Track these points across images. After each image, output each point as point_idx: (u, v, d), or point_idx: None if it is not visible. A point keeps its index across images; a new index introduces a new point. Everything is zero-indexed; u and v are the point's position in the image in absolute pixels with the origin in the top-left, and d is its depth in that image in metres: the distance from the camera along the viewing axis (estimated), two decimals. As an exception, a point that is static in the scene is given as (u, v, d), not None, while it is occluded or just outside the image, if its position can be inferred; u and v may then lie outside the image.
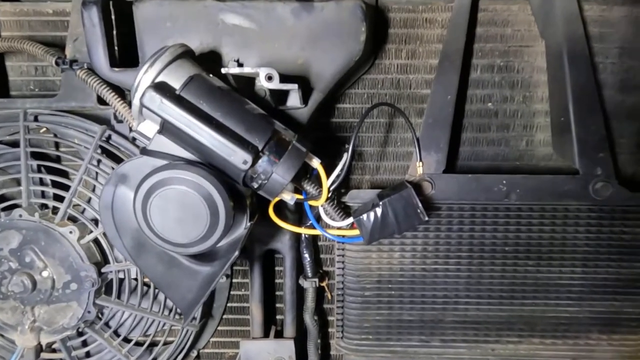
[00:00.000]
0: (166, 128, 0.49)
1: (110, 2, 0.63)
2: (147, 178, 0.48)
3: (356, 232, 0.60)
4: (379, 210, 0.58)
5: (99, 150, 0.68)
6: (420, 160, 0.65)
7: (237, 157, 0.47)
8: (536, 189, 0.65)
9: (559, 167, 0.72)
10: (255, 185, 0.52)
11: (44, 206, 0.70)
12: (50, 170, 0.71)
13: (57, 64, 0.65)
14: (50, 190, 0.70)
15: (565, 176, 0.65)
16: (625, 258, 0.67)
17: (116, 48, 0.65)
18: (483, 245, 0.68)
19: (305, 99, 0.61)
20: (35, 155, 0.70)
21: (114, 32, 0.64)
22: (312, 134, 0.72)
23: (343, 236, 0.61)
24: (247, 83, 0.56)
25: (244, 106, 0.51)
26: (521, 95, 0.74)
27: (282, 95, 0.58)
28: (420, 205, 0.58)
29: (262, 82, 0.51)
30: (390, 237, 0.64)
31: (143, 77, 0.47)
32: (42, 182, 0.71)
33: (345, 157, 0.59)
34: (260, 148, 0.49)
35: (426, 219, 0.59)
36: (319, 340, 0.78)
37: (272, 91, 0.54)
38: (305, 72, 0.61)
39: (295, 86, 0.52)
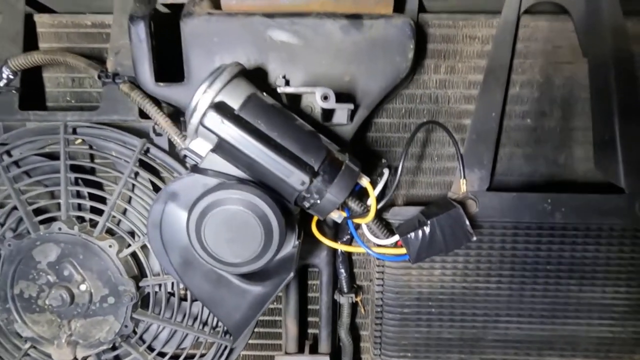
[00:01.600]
0: (221, 147, 0.48)
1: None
2: (202, 197, 0.48)
3: (402, 250, 0.59)
4: (427, 229, 0.58)
5: (137, 163, 0.67)
6: (464, 177, 0.64)
7: (294, 177, 0.47)
8: (581, 208, 0.64)
9: (597, 182, 0.71)
10: (307, 205, 0.51)
11: (80, 219, 0.70)
12: (88, 183, 0.70)
13: (99, 77, 0.65)
14: (88, 203, 0.69)
15: (611, 195, 0.64)
16: (670, 278, 0.66)
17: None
18: (525, 263, 0.67)
19: (350, 116, 0.60)
20: (73, 168, 0.70)
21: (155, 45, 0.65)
22: (353, 148, 0.72)
23: (389, 255, 0.61)
24: (294, 99, 0.56)
25: (296, 124, 0.50)
26: (560, 111, 0.73)
27: (330, 113, 0.58)
28: (469, 225, 0.58)
29: (318, 102, 0.51)
30: (438, 256, 0.64)
31: (202, 97, 0.46)
32: (79, 195, 0.71)
33: (395, 174, 0.58)
34: (316, 169, 0.48)
35: (474, 239, 0.58)
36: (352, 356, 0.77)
37: (324, 110, 0.54)
38: (352, 89, 0.60)
39: (351, 106, 0.52)
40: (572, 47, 0.71)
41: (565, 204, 0.64)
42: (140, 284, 0.68)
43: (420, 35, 0.70)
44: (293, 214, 0.52)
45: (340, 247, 0.61)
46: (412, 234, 0.58)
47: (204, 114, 0.45)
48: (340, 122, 0.60)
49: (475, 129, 0.65)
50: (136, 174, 0.68)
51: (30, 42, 0.72)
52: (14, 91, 0.68)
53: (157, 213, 0.53)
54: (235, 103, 0.47)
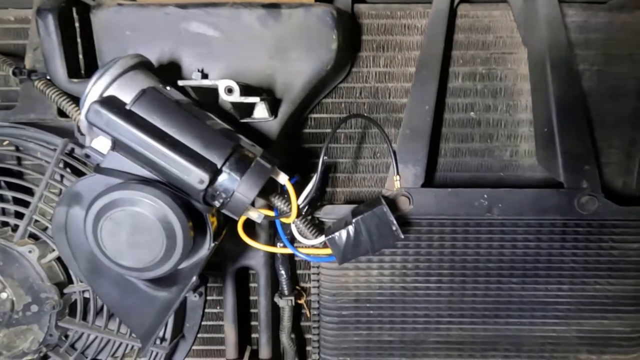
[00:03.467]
0: (119, 145, 0.45)
1: (75, 10, 0.60)
2: (97, 199, 0.45)
3: (329, 251, 0.57)
4: (351, 229, 0.55)
5: (61, 165, 0.64)
6: (398, 173, 0.62)
7: (193, 176, 0.44)
8: (519, 204, 0.62)
9: (545, 178, 0.69)
10: (218, 204, 0.49)
11: (5, 224, 0.67)
12: (12, 186, 0.67)
13: (14, 74, 0.62)
14: (11, 207, 0.66)
15: (549, 190, 0.62)
16: (614, 275, 0.64)
17: (81, 57, 0.62)
18: (465, 262, 0.65)
19: (274, 111, 0.57)
20: (-1, 171, 0.67)
21: (78, 40, 0.62)
22: (286, 146, 0.69)
23: (315, 255, 0.58)
24: (210, 95, 0.53)
25: (203, 121, 0.48)
26: (504, 104, 0.71)
27: (248, 108, 0.55)
28: (395, 223, 0.55)
29: (222, 95, 0.48)
30: (364, 256, 0.61)
31: (90, 91, 0.43)
32: (3, 199, 0.68)
33: (316, 172, 0.56)
34: (219, 166, 0.46)
35: (402, 237, 0.56)
36: (296, 361, 0.74)
37: (234, 104, 0.51)
38: (274, 82, 0.58)
39: (257, 99, 0.49)
40: (513, 36, 0.69)
41: (503, 199, 0.62)
42: (65, 291, 0.65)
43: (357, 27, 0.68)
44: (204, 215, 0.50)
45: (266, 248, 0.58)
46: (337, 234, 0.56)
47: (89, 109, 0.42)
48: (262, 117, 0.57)
49: (409, 124, 0.63)
50: (62, 176, 0.65)
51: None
52: None
53: (61, 216, 0.50)
54: (128, 97, 0.44)
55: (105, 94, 0.44)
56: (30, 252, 0.63)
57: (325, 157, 0.71)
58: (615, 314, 0.65)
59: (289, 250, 0.58)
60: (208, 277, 0.74)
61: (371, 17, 0.68)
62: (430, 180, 0.70)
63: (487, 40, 0.70)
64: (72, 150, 0.65)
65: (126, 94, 0.44)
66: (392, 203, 0.60)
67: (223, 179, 0.46)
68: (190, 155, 0.44)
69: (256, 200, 0.60)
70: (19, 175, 0.69)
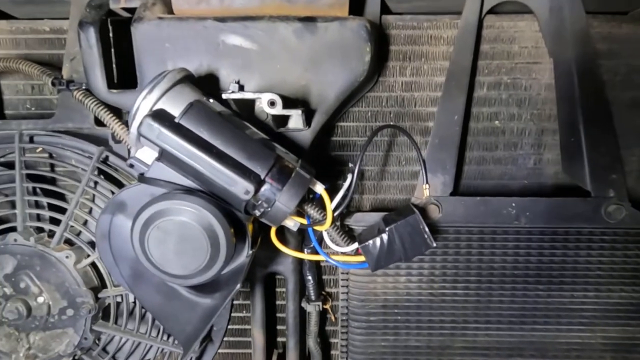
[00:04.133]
0: (165, 156, 0.47)
1: (108, 21, 0.62)
2: (144, 208, 0.46)
3: (362, 258, 0.58)
4: (385, 237, 0.56)
5: (96, 172, 0.66)
6: (427, 182, 0.63)
7: (238, 187, 0.45)
8: (546, 212, 0.63)
9: (568, 185, 0.70)
10: (258, 213, 0.50)
11: (40, 230, 0.68)
12: (47, 193, 0.69)
13: (53, 84, 0.64)
14: (47, 214, 0.68)
15: (576, 199, 0.63)
16: (639, 282, 0.65)
17: (114, 67, 0.64)
18: (492, 269, 0.66)
19: (308, 121, 0.59)
20: (31, 177, 0.68)
21: (112, 51, 0.63)
22: (314, 153, 0.70)
23: (348, 262, 0.59)
24: (247, 105, 0.54)
25: (245, 132, 0.49)
26: (529, 113, 0.72)
27: (284, 118, 0.57)
28: (427, 231, 0.56)
29: (265, 108, 0.49)
30: (397, 264, 0.62)
31: (141, 105, 0.45)
32: (38, 205, 0.69)
33: (350, 180, 0.57)
34: (262, 177, 0.47)
35: (434, 245, 0.57)
36: (322, 365, 0.75)
37: (274, 116, 0.53)
38: (308, 94, 0.59)
39: (299, 112, 0.50)
40: (538, 47, 0.70)
41: (530, 208, 0.63)
42: (100, 295, 0.67)
43: (384, 37, 0.69)
44: (244, 223, 0.51)
45: (299, 255, 0.60)
46: (371, 242, 0.57)
47: (141, 123, 0.44)
48: (297, 127, 0.58)
49: (438, 133, 0.64)
50: (96, 183, 0.66)
51: (-13, 49, 0.71)
52: (-32, 99, 0.66)
53: (105, 224, 0.52)
54: (176, 110, 0.46)
55: (155, 108, 0.45)
56: (67, 257, 0.65)
57: (351, 165, 0.73)
58: (639, 320, 0.66)
59: (321, 258, 0.59)
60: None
61: (398, 27, 0.69)
62: (456, 188, 0.71)
63: (512, 51, 0.71)
64: (107, 157, 0.67)
65: (174, 107, 0.46)
66: (422, 211, 0.61)
67: (265, 189, 0.48)
68: (236, 166, 0.46)
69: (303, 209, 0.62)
70: (52, 181, 0.71)
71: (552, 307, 0.66)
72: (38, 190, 0.70)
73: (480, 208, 0.63)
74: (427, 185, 0.63)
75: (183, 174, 0.48)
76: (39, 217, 0.70)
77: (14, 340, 0.67)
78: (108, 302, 0.68)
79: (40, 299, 0.66)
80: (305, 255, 0.62)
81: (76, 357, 0.69)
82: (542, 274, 0.66)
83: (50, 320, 0.66)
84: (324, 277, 0.76)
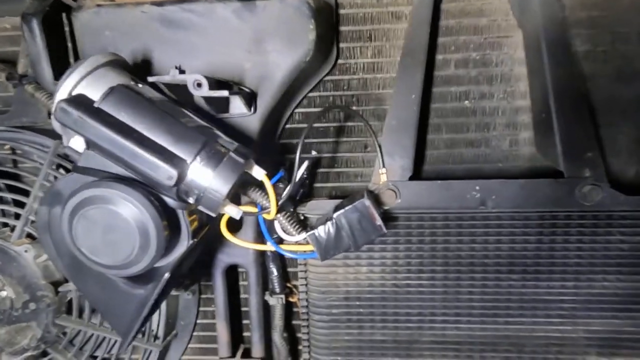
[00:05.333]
0: (91, 143, 0.46)
1: (65, 14, 0.62)
2: (70, 197, 0.45)
3: (310, 247, 0.55)
4: (332, 224, 0.53)
5: (54, 166, 0.66)
6: (383, 166, 0.59)
7: (160, 172, 0.43)
8: (515, 195, 0.58)
9: (548, 168, 0.65)
10: (192, 200, 0.48)
11: (5, 225, 0.69)
12: (11, 189, 0.69)
13: (7, 79, 0.64)
14: (11, 209, 0.69)
15: (547, 180, 0.58)
16: (625, 270, 0.59)
17: (71, 60, 0.64)
18: (460, 258, 0.61)
19: (253, 105, 0.57)
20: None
21: (69, 44, 0.63)
22: (273, 142, 0.68)
23: (298, 252, 0.57)
24: (187, 93, 0.52)
25: (177, 118, 0.47)
26: (501, 91, 0.67)
27: (223, 103, 0.55)
28: (377, 216, 0.53)
29: (191, 90, 0.47)
30: (348, 252, 0.59)
31: (59, 90, 0.44)
32: (3, 201, 0.70)
33: (296, 166, 0.54)
34: (189, 161, 0.45)
35: (385, 231, 0.53)
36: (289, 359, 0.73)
37: (207, 99, 0.51)
38: (253, 76, 0.57)
39: (226, 93, 0.48)
40: (509, 19, 0.65)
41: (496, 191, 0.58)
42: (60, 289, 0.67)
43: (342, 17, 0.66)
44: (178, 212, 0.49)
45: (249, 245, 0.57)
46: (318, 230, 0.54)
47: (56, 109, 0.43)
48: (240, 112, 0.56)
49: (395, 114, 0.60)
50: (55, 177, 0.66)
51: (-50, 48, 0.72)
52: None
53: (44, 216, 0.51)
54: (97, 95, 0.44)
55: (75, 93, 0.44)
56: (26, 251, 0.65)
57: (314, 152, 0.71)
58: (626, 312, 0.60)
59: (270, 247, 0.57)
60: (201, 275, 0.74)
61: (356, 6, 0.66)
62: (420, 173, 0.67)
63: (481, 25, 0.66)
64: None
65: (96, 92, 0.45)
66: (377, 197, 0.58)
67: (194, 174, 0.46)
68: (158, 151, 0.44)
69: (241, 196, 0.60)
70: (16, 177, 0.71)
71: (528, 298, 0.61)
72: (2, 186, 0.71)
73: (442, 192, 0.59)
74: (384, 170, 0.59)
75: (114, 161, 0.47)
76: (4, 213, 0.71)
77: (-20, 334, 0.68)
78: (70, 297, 0.68)
79: (3, 293, 0.66)
80: (256, 246, 0.60)
81: (41, 350, 0.70)
82: (515, 262, 0.61)
83: (14, 314, 0.66)
84: (290, 269, 0.73)
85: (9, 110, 0.72)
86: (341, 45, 0.67)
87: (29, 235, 0.67)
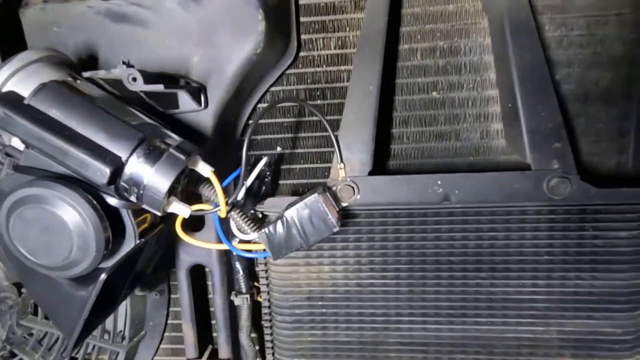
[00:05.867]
0: (26, 142, 0.44)
1: (20, 11, 0.61)
2: (6, 196, 0.44)
3: (262, 246, 0.53)
4: (282, 222, 0.51)
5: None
6: (341, 161, 0.57)
7: (91, 169, 0.42)
8: (479, 189, 0.55)
9: (521, 161, 0.61)
10: (134, 199, 0.47)
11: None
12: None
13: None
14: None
15: (513, 173, 0.55)
16: (600, 268, 0.56)
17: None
18: (425, 256, 0.59)
19: (201, 100, 0.55)
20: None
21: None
22: (231, 138, 0.66)
23: (251, 251, 0.55)
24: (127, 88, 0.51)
25: (115, 114, 0.46)
26: (471, 81, 0.64)
27: (170, 99, 0.53)
28: (329, 213, 0.51)
29: (127, 85, 0.46)
30: (305, 250, 0.57)
31: (-12, 87, 0.43)
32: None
33: (244, 162, 0.53)
34: (124, 158, 0.44)
35: (337, 229, 0.51)
36: (258, 361, 0.71)
37: (149, 95, 0.49)
38: (202, 70, 0.55)
39: (161, 87, 0.46)
40: (477, 5, 0.62)
41: (459, 185, 0.55)
42: (23, 290, 0.66)
43: (302, 8, 0.64)
44: (120, 211, 0.48)
45: (200, 244, 0.56)
46: (269, 228, 0.52)
47: (-18, 106, 0.42)
48: (189, 108, 0.54)
49: (352, 107, 0.58)
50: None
51: None
52: None
53: (-11, 216, 0.50)
54: (28, 92, 0.43)
55: (4, 89, 0.43)
56: (-13, 252, 0.65)
57: (279, 148, 0.69)
58: (602, 312, 0.57)
59: (225, 247, 0.55)
60: (168, 275, 0.73)
61: (317, -5, 0.64)
62: (386, 169, 0.65)
63: (447, 11, 0.63)
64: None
65: (28, 89, 0.43)
66: (335, 194, 0.56)
67: (132, 171, 0.44)
68: (90, 148, 0.43)
69: (200, 194, 0.58)
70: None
71: (497, 297, 0.58)
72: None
73: (403, 187, 0.56)
74: (342, 165, 0.57)
75: (52, 159, 0.46)
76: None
77: (-53, 336, 0.68)
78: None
79: (-33, 294, 0.66)
80: (209, 245, 0.58)
81: (8, 351, 0.70)
82: (482, 260, 0.58)
83: (-21, 315, 0.66)
84: (258, 269, 0.71)
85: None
86: (303, 36, 0.65)
87: (-6, 236, 0.67)
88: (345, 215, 0.58)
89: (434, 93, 0.65)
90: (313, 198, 0.50)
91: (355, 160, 0.58)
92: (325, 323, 0.62)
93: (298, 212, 0.51)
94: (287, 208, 0.52)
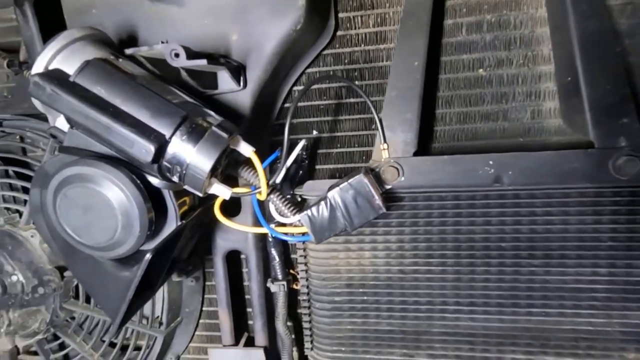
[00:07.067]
0: (71, 121, 0.44)
1: None
2: (53, 176, 0.44)
3: (304, 229, 0.51)
4: (325, 204, 0.49)
5: (55, 152, 0.66)
6: (385, 142, 0.55)
7: (137, 147, 0.41)
8: (535, 170, 0.51)
9: (578, 141, 0.57)
10: (176, 179, 0.46)
11: (17, 211, 0.71)
12: (21, 176, 0.71)
13: (8, 66, 0.65)
14: (21, 196, 0.70)
15: (574, 151, 0.51)
16: (670, 255, 0.51)
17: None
18: (473, 241, 0.56)
19: (241, 79, 0.53)
20: (8, 161, 0.71)
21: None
22: (268, 121, 0.65)
23: (293, 234, 0.53)
24: (174, 70, 0.50)
25: (157, 92, 0.45)
26: (521, 56, 0.60)
27: (210, 78, 0.52)
28: (375, 194, 0.48)
29: (169, 61, 0.45)
30: (351, 234, 0.55)
31: (35, 66, 0.43)
32: (13, 188, 0.72)
33: (283, 145, 0.51)
34: (167, 136, 0.43)
35: (384, 210, 0.49)
36: (294, 349, 0.70)
37: (191, 73, 0.48)
38: (241, 49, 0.53)
39: (204, 61, 0.45)
40: (528, -27, 0.58)
41: (512, 165, 0.52)
42: (66, 274, 0.67)
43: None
44: (163, 191, 0.47)
45: (240, 227, 0.54)
46: (312, 210, 0.50)
47: (30, 83, 0.41)
48: (229, 88, 0.53)
49: (395, 84, 0.55)
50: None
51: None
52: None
53: (35, 198, 0.51)
54: (73, 69, 0.43)
55: (50, 67, 0.43)
56: (32, 236, 0.66)
57: (315, 132, 0.67)
58: (673, 304, 0.52)
59: (264, 230, 0.54)
60: (202, 261, 0.73)
61: (356, -29, 0.61)
62: (427, 149, 0.62)
63: (495, -18, 0.59)
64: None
65: (73, 67, 0.43)
66: (378, 175, 0.53)
67: (175, 150, 0.43)
68: (135, 125, 0.42)
69: (238, 176, 0.57)
70: (27, 165, 0.73)
71: (552, 286, 0.55)
72: (12, 173, 0.72)
73: (451, 168, 0.53)
74: (385, 146, 0.54)
75: (95, 139, 0.46)
76: (15, 200, 0.72)
77: (-3, 317, 0.70)
78: (75, 281, 0.69)
79: (14, 277, 0.68)
80: (248, 228, 0.57)
81: (52, 333, 0.71)
82: (536, 246, 0.54)
83: (25, 298, 0.68)
84: (293, 256, 0.70)
85: (13, 97, 0.74)
86: (340, 15, 0.63)
87: (37, 221, 0.69)
88: (388, 199, 0.55)
89: (480, 70, 0.61)
90: (358, 178, 0.48)
91: (399, 141, 0.55)
92: (366, 311, 0.60)
93: (342, 193, 0.49)
94: (329, 189, 0.50)
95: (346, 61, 0.64)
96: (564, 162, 0.50)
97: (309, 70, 0.64)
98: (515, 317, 0.56)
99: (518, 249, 0.55)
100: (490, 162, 0.52)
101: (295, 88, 0.65)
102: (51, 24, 0.60)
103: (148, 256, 0.44)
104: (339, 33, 0.63)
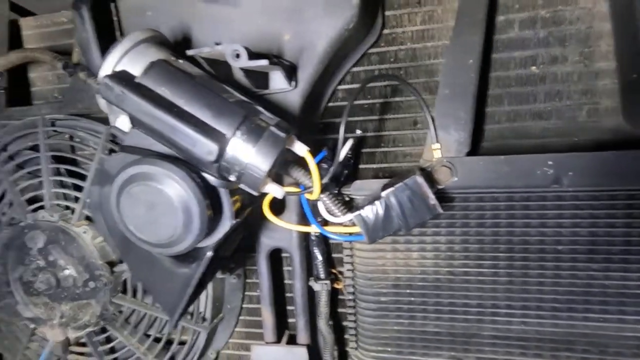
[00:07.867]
0: (134, 120, 0.45)
1: (112, 2, 0.63)
2: (117, 174, 0.46)
3: (356, 229, 0.51)
4: (380, 204, 0.49)
5: (107, 151, 0.68)
6: (437, 141, 0.54)
7: (200, 146, 0.42)
8: (597, 171, 0.50)
9: (637, 141, 0.55)
10: (234, 178, 0.46)
11: (67, 208, 0.74)
12: (72, 174, 0.73)
13: (64, 68, 0.67)
14: (72, 193, 0.73)
15: (639, 151, 0.49)
16: None
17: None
18: (527, 244, 0.54)
19: (293, 79, 0.54)
20: (58, 159, 0.73)
21: (118, 32, 0.64)
22: (314, 120, 0.65)
23: (344, 234, 0.53)
24: (227, 69, 0.51)
25: (217, 92, 0.46)
26: (577, 53, 0.58)
27: (263, 78, 0.52)
28: (431, 194, 0.48)
29: (230, 62, 0.45)
30: (397, 235, 0.54)
31: (103, 67, 0.44)
32: (64, 185, 0.74)
33: (340, 143, 0.51)
34: (229, 135, 0.43)
35: (440, 211, 0.48)
36: (335, 348, 0.70)
37: (246, 73, 0.48)
38: (293, 48, 0.54)
39: (265, 62, 0.45)
40: (587, -34, 0.56)
41: (573, 166, 0.50)
42: (115, 270, 0.70)
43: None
44: (219, 190, 0.48)
45: (289, 226, 0.55)
46: (365, 210, 0.50)
47: (100, 85, 0.43)
48: (281, 87, 0.53)
49: (448, 82, 0.54)
50: (109, 161, 0.69)
51: (17, 46, 0.77)
52: (1, 91, 0.73)
53: (95, 195, 0.53)
54: (138, 70, 0.44)
55: (117, 69, 0.44)
56: (84, 232, 0.69)
57: (359, 131, 0.66)
58: None
59: (316, 229, 0.54)
60: (245, 259, 0.73)
61: (404, -32, 0.60)
62: (478, 148, 0.60)
63: (550, -24, 0.57)
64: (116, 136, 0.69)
65: (138, 68, 0.44)
66: (430, 175, 0.53)
67: (234, 149, 0.44)
68: (198, 125, 0.42)
69: (284, 176, 0.57)
70: (76, 163, 0.75)
71: (612, 291, 0.53)
72: (63, 171, 0.75)
73: (506, 169, 0.52)
74: (438, 145, 0.53)
75: (156, 139, 0.47)
76: (65, 197, 0.75)
77: (49, 309, 0.73)
78: (125, 277, 0.71)
79: (67, 272, 0.70)
80: (298, 227, 0.57)
81: (100, 326, 0.73)
82: (596, 250, 0.52)
83: (76, 291, 0.70)
84: (335, 255, 0.70)
85: (66, 98, 0.76)
86: (387, 12, 0.62)
87: (88, 218, 0.71)
88: (439, 199, 0.54)
89: (533, 68, 0.60)
90: (414, 179, 0.48)
91: (452, 140, 0.54)
92: (413, 312, 0.60)
93: (398, 193, 0.48)
94: (382, 190, 0.50)
95: (391, 60, 0.64)
96: (628, 163, 0.48)
97: (353, 69, 0.64)
98: (571, 322, 0.55)
99: (575, 252, 0.53)
100: (550, 163, 0.50)
101: (339, 87, 0.65)
102: (102, 27, 0.62)
103: (210, 254, 0.45)
104: (385, 31, 0.63)
